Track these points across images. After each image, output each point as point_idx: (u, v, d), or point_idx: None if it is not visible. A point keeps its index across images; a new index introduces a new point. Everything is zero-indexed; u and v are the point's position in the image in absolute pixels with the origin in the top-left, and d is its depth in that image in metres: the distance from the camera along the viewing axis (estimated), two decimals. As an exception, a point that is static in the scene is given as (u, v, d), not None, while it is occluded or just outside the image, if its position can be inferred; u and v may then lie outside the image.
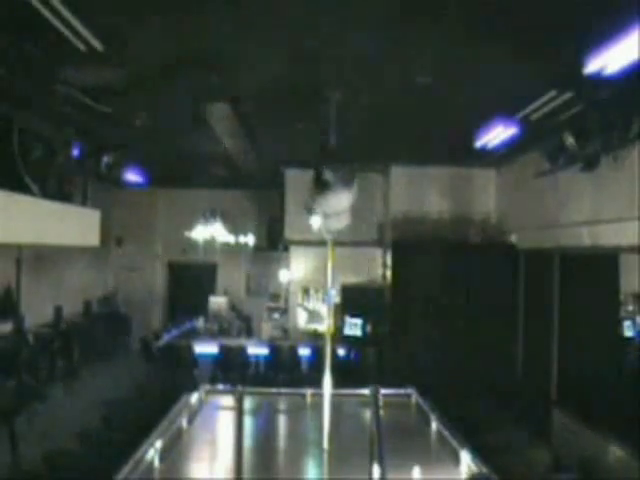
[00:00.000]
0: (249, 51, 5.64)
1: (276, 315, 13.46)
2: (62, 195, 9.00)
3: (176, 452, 5.04)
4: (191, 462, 5.11)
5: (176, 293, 16.92)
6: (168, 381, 10.95)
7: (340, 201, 4.75)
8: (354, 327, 11.82)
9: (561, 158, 7.68)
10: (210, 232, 14.50)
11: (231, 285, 16.58)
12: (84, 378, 12.01)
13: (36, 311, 12.09)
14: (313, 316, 12.51)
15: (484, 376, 9.38)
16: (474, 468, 4.62)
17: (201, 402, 6.54)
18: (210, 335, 12.57)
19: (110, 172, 9.84)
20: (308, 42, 5.43)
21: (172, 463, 4.79)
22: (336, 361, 8.08)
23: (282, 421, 6.63)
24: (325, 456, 4.84)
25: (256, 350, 11.30)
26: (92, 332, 13.73)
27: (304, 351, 11.02)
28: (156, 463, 4.66)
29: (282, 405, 6.87)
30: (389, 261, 10.95)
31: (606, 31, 4.44)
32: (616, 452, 6.65)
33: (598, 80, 5.16)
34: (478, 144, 8.30)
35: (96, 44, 5.25)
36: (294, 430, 6.33)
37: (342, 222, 4.99)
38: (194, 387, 7.05)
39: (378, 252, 12.19)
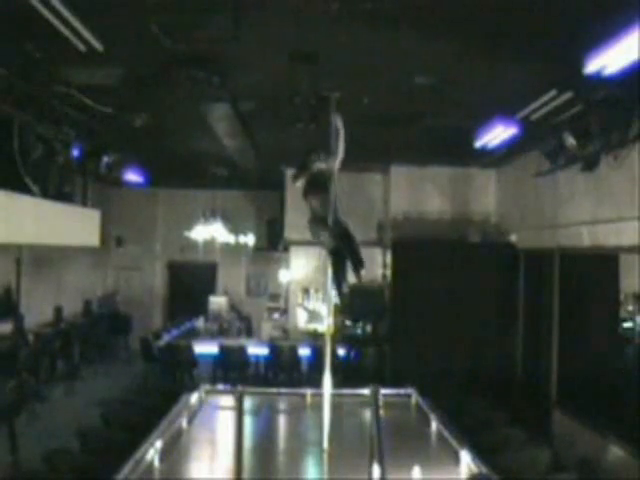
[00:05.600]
0: (249, 51, 5.64)
1: (276, 315, 13.47)
2: (62, 195, 9.02)
3: (176, 452, 5.04)
4: (191, 462, 5.11)
5: (176, 293, 16.92)
6: (168, 381, 10.96)
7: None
8: (354, 327, 11.86)
9: (561, 158, 7.68)
10: (210, 232, 14.50)
11: (231, 285, 16.58)
12: (84, 378, 12.01)
13: (36, 311, 12.11)
14: (313, 316, 12.51)
15: (484, 376, 9.38)
16: (474, 468, 4.63)
17: (201, 402, 6.54)
18: (210, 335, 12.57)
19: (110, 172, 9.83)
20: (308, 42, 5.43)
21: (172, 463, 4.79)
22: (336, 361, 8.09)
23: (282, 421, 6.63)
24: (325, 456, 4.84)
25: (256, 350, 11.31)
26: (92, 332, 13.73)
27: (304, 351, 11.02)
28: (156, 463, 4.66)
29: (282, 405, 6.87)
30: (389, 261, 10.95)
31: (606, 31, 4.43)
32: (616, 452, 6.65)
33: (598, 80, 5.16)
34: (478, 144, 8.30)
35: (96, 44, 5.24)
36: (294, 430, 6.32)
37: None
38: (194, 387, 7.05)
39: (378, 252, 12.18)
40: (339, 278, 4.77)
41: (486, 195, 11.51)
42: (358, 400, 6.30)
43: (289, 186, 12.49)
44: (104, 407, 6.76)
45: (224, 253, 16.26)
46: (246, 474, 4.19)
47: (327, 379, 4.96)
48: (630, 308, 7.64)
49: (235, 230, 15.51)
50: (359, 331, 11.92)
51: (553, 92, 6.22)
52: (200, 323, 13.51)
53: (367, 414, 5.53)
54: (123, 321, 15.34)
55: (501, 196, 11.32)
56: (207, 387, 6.99)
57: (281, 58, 5.75)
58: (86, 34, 5.01)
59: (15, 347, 10.09)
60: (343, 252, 4.78)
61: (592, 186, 7.56)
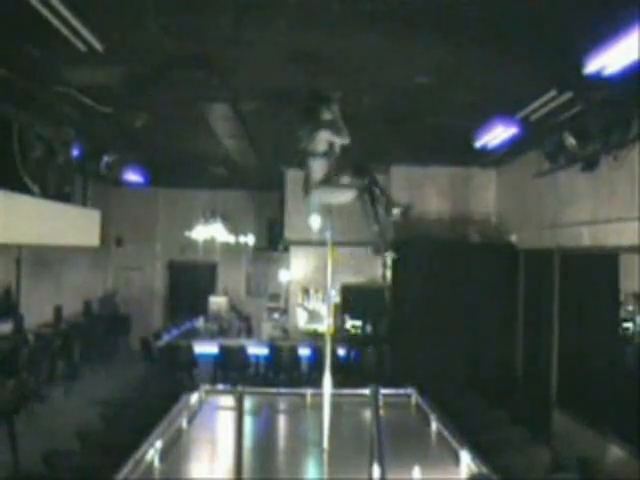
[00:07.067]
0: (249, 51, 5.64)
1: (276, 315, 13.46)
2: (62, 195, 9.02)
3: (176, 452, 5.04)
4: (191, 462, 5.11)
5: (176, 293, 16.92)
6: (168, 381, 10.95)
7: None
8: (354, 327, 11.86)
9: (561, 158, 7.68)
10: (210, 232, 14.50)
11: (231, 285, 16.58)
12: (84, 378, 12.01)
13: (36, 311, 12.09)
14: (313, 316, 12.51)
15: (484, 376, 9.38)
16: (474, 468, 4.63)
17: (201, 402, 6.54)
18: (210, 335, 12.57)
19: (110, 172, 9.84)
20: (308, 42, 5.43)
21: (172, 463, 4.79)
22: (336, 361, 8.09)
23: (282, 421, 6.63)
24: (325, 456, 4.84)
25: (256, 350, 11.30)
26: (92, 332, 13.73)
27: (304, 351, 11.02)
28: (156, 463, 4.66)
29: (282, 405, 6.87)
30: (389, 261, 10.95)
31: (606, 31, 4.43)
32: (616, 452, 6.65)
33: (598, 80, 5.16)
34: (478, 144, 8.30)
35: (96, 44, 5.24)
36: (294, 430, 6.33)
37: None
38: (194, 387, 7.05)
39: (378, 252, 12.18)
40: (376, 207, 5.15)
41: (486, 195, 11.51)
42: (358, 400, 6.30)
43: (289, 186, 12.51)
44: (104, 407, 6.76)
45: (224, 253, 16.26)
46: (246, 474, 4.19)
47: (327, 379, 4.97)
48: (630, 308, 7.63)
49: (235, 230, 15.51)
50: (359, 331, 11.91)
51: (553, 92, 6.22)
52: (200, 323, 13.51)
53: (367, 414, 5.53)
54: (123, 321, 15.34)
55: (501, 196, 11.32)
56: (207, 387, 6.99)
57: (281, 58, 5.75)
58: (86, 34, 5.01)
59: (15, 347, 10.08)
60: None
61: (592, 186, 7.56)
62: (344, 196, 5.13)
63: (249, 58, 5.87)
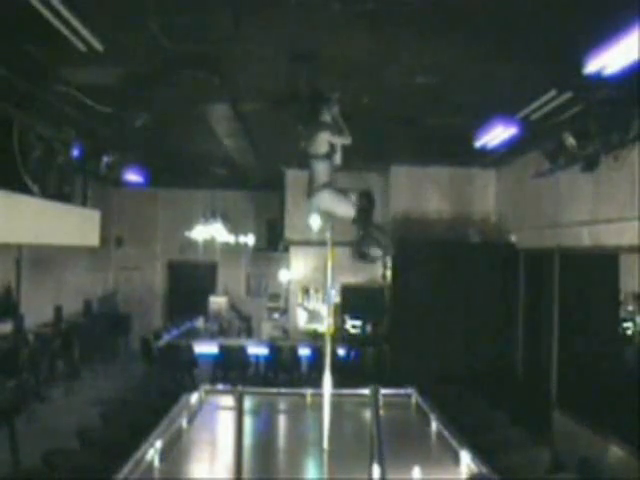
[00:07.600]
0: (249, 51, 5.64)
1: (276, 315, 13.47)
2: (62, 195, 9.01)
3: (176, 452, 5.04)
4: (191, 462, 5.11)
5: (176, 293, 16.92)
6: (168, 381, 10.96)
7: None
8: (354, 327, 11.86)
9: (561, 158, 7.68)
10: (210, 232, 14.51)
11: (231, 285, 16.59)
12: (84, 378, 12.02)
13: (36, 311, 12.09)
14: (313, 316, 12.51)
15: (484, 376, 9.38)
16: (474, 468, 4.62)
17: (201, 402, 6.54)
18: (210, 335, 12.57)
19: (110, 172, 9.83)
20: (308, 42, 5.43)
21: (172, 463, 4.79)
22: (336, 361, 8.09)
23: (282, 421, 6.63)
24: (325, 456, 4.84)
25: (256, 350, 11.31)
26: (92, 332, 13.72)
27: (304, 351, 11.03)
28: (156, 463, 4.66)
29: (282, 405, 6.87)
30: (389, 261, 10.95)
31: (606, 31, 4.43)
32: (616, 452, 6.64)
33: (598, 80, 5.16)
34: (478, 144, 8.30)
35: (96, 44, 5.25)
36: (294, 430, 6.33)
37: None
38: (194, 387, 7.05)
39: (378, 252, 12.16)
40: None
41: (486, 195, 11.51)
42: (358, 400, 6.30)
43: (289, 186, 12.51)
44: (104, 407, 6.76)
45: (224, 253, 16.26)
46: (246, 474, 4.19)
47: (327, 379, 4.97)
48: (630, 308, 7.63)
49: (235, 230, 15.51)
50: (359, 331, 11.92)
51: (553, 92, 6.22)
52: (200, 323, 13.52)
53: (367, 414, 5.53)
54: (123, 321, 15.34)
55: (501, 196, 11.32)
56: (207, 387, 6.99)
57: (281, 58, 5.75)
58: (86, 34, 5.01)
59: (15, 347, 10.08)
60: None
61: (592, 186, 7.56)
62: (345, 209, 5.17)
63: (249, 58, 5.87)
